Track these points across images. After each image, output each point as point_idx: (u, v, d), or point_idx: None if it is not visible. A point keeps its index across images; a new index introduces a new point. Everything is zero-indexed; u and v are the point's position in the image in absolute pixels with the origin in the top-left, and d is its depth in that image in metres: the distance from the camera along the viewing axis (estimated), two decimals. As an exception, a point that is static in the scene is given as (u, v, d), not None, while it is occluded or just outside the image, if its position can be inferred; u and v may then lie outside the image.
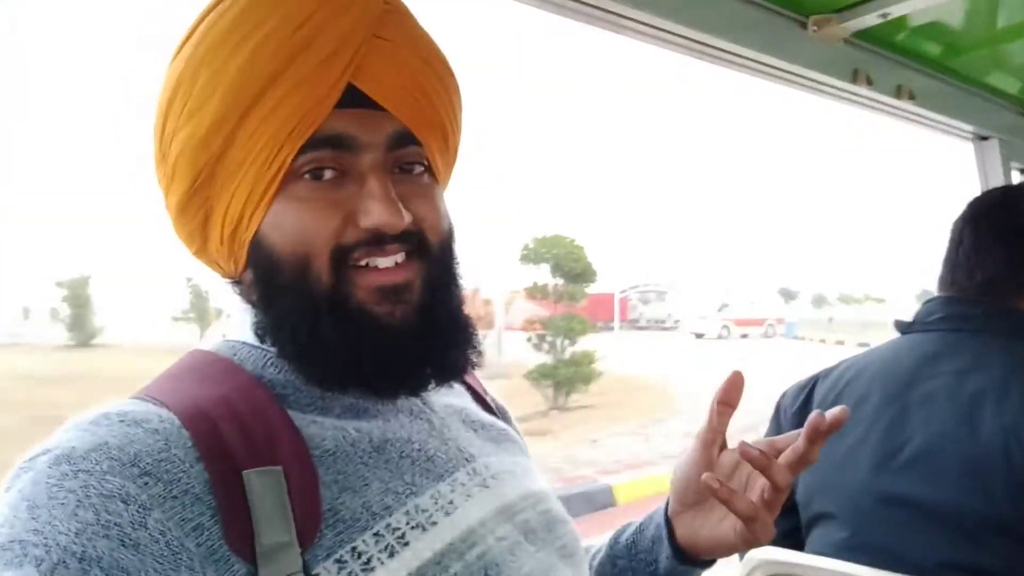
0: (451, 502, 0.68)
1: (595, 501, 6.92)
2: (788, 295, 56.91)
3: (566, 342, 12.87)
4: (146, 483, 0.54)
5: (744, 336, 39.66)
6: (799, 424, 1.34)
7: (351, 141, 0.65)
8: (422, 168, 0.71)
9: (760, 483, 0.73)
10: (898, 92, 1.59)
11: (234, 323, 0.73)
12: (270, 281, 0.67)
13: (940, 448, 1.13)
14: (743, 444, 0.72)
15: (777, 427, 1.39)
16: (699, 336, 39.39)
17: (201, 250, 0.72)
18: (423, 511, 0.66)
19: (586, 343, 12.91)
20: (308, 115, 0.63)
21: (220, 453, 0.58)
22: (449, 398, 0.81)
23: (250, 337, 0.70)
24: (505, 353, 16.95)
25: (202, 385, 0.64)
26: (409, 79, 0.67)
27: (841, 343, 30.79)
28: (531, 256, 12.97)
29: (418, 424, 0.73)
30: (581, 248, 12.94)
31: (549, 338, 13.03)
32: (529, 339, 13.20)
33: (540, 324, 13.09)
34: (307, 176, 0.65)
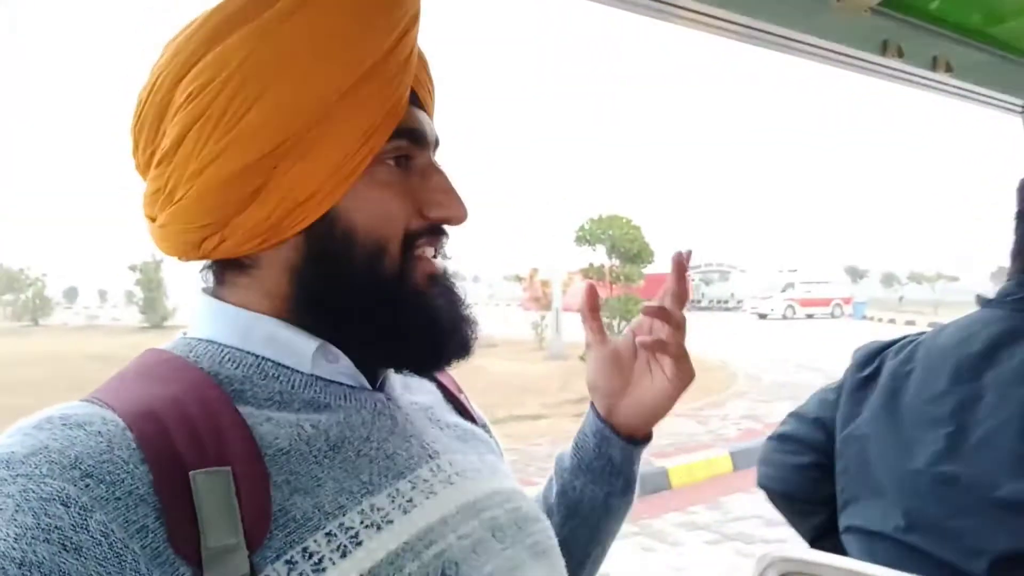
0: (410, 500, 0.67)
1: (649, 484, 6.87)
2: (856, 274, 55.46)
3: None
4: (87, 485, 0.53)
5: (809, 316, 38.86)
6: (861, 391, 1.33)
7: (422, 136, 0.71)
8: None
9: (665, 332, 0.86)
10: (934, 64, 1.51)
11: (194, 319, 0.72)
12: (338, 258, 0.68)
13: (1008, 433, 1.09)
14: (631, 324, 0.93)
15: (841, 384, 1.37)
16: (762, 317, 38.75)
17: (220, 222, 0.67)
18: (379, 510, 0.64)
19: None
20: (398, 103, 0.68)
21: (166, 454, 0.57)
22: (416, 396, 0.80)
23: (217, 333, 0.69)
24: (563, 334, 16.94)
25: (152, 385, 0.63)
26: (432, 86, 0.76)
27: (912, 323, 29.93)
28: (586, 237, 12.88)
29: (380, 421, 0.71)
30: (638, 228, 12.79)
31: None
32: (586, 320, 13.14)
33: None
34: (391, 162, 0.70)
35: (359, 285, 0.68)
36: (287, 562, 0.58)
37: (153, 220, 0.71)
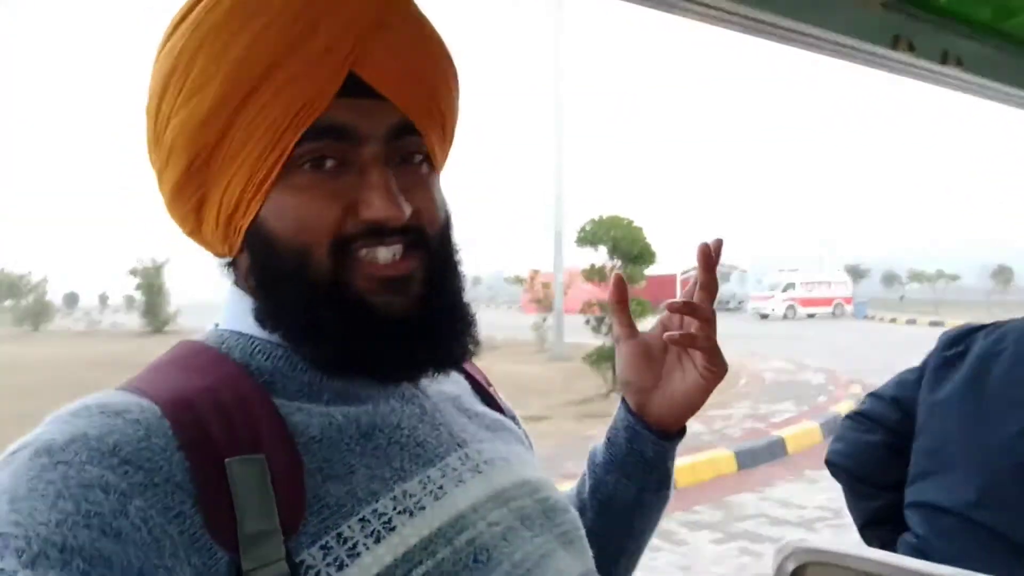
0: (440, 487, 0.68)
1: (653, 484, 6.88)
2: (857, 273, 55.43)
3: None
4: (126, 472, 0.54)
5: (811, 316, 38.84)
6: (945, 371, 1.35)
7: (352, 131, 0.65)
8: (421, 158, 0.71)
9: (694, 327, 0.83)
10: (944, 58, 1.51)
11: (225, 311, 0.73)
12: (269, 268, 0.67)
13: None
14: (661, 318, 0.91)
15: (925, 364, 1.38)
16: (764, 317, 38.73)
17: (195, 231, 0.72)
18: (411, 496, 0.65)
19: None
20: (309, 103, 0.63)
21: (201, 442, 0.58)
22: (444, 385, 0.80)
23: (244, 324, 0.70)
24: (565, 336, 16.92)
25: (186, 375, 0.64)
26: (411, 69, 0.67)
27: (913, 322, 29.93)
28: (588, 238, 12.86)
29: (409, 409, 0.72)
30: (639, 229, 12.78)
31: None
32: (587, 322, 13.13)
33: (599, 307, 12.99)
34: (307, 165, 0.65)
35: (289, 293, 0.66)
36: (322, 547, 0.59)
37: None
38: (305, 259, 0.65)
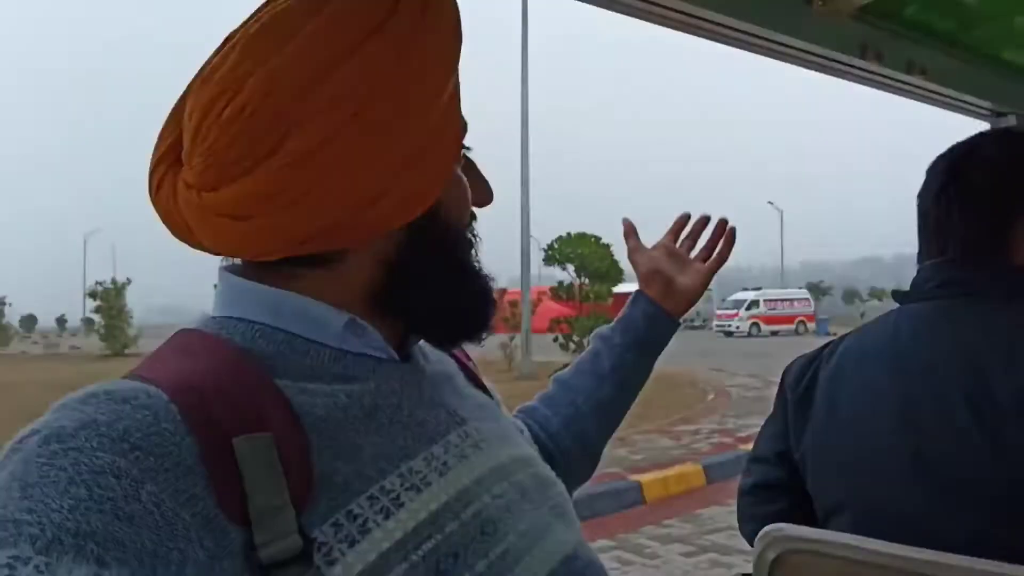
0: (444, 463, 0.69)
1: (623, 499, 6.88)
2: (819, 291, 56.27)
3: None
4: (137, 457, 0.54)
5: (774, 334, 39.29)
6: (803, 407, 1.33)
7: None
8: None
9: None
10: (909, 68, 1.57)
11: (220, 299, 0.73)
12: (441, 245, 0.74)
13: (955, 422, 1.10)
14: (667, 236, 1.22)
15: (783, 408, 1.36)
16: (728, 334, 39.09)
17: (360, 212, 0.69)
18: (416, 472, 0.67)
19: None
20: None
21: (209, 423, 0.58)
22: (437, 365, 0.83)
23: (246, 311, 0.70)
24: (532, 354, 16.93)
25: (189, 360, 0.65)
26: None
27: (873, 338, 30.27)
28: (556, 256, 12.93)
29: (408, 390, 0.73)
30: (607, 247, 12.89)
31: (576, 338, 12.98)
32: (556, 339, 13.16)
33: (567, 324, 13.03)
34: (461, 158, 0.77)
35: (454, 267, 0.76)
36: (333, 524, 0.60)
37: (244, 219, 0.66)
38: (463, 237, 0.78)
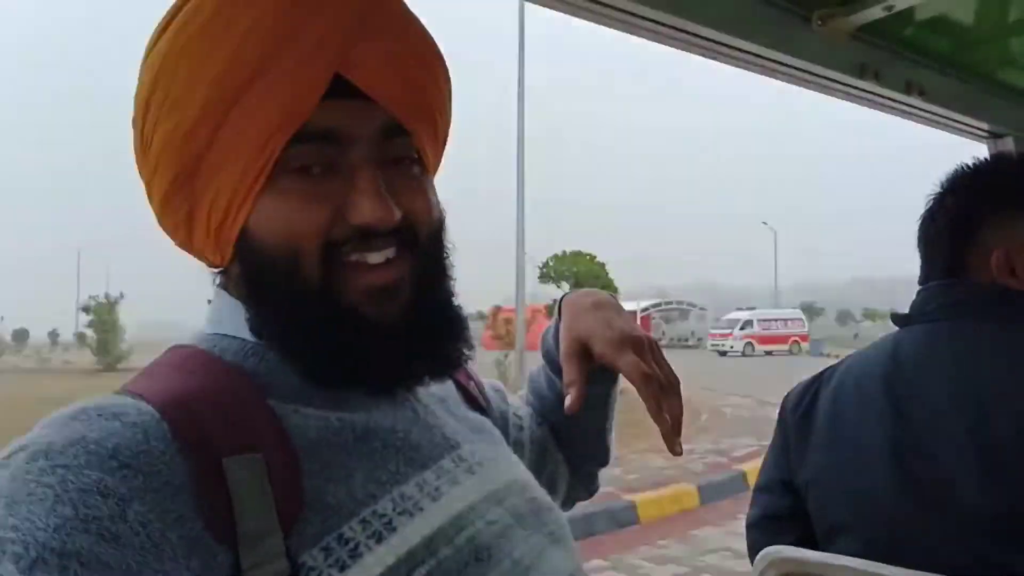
0: (437, 488, 0.68)
1: (618, 519, 6.83)
2: (812, 311, 56.39)
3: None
4: (125, 476, 0.53)
5: (768, 354, 39.32)
6: (803, 432, 1.32)
7: (340, 134, 0.64)
8: (412, 159, 0.70)
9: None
10: (908, 88, 1.57)
11: (213, 315, 0.72)
12: (259, 277, 0.66)
13: (955, 445, 1.10)
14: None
15: (783, 434, 1.35)
16: (722, 354, 39.12)
17: (186, 242, 0.71)
18: (409, 498, 0.65)
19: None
20: (295, 108, 0.62)
21: (199, 442, 0.57)
22: (432, 387, 0.80)
23: (235, 328, 0.69)
24: (527, 372, 16.78)
25: (181, 377, 0.63)
26: (398, 68, 0.66)
27: (867, 359, 30.26)
28: (551, 274, 12.94)
29: (402, 413, 0.72)
30: (601, 265, 12.90)
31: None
32: (550, 357, 13.12)
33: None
34: (295, 169, 0.64)
35: (279, 302, 0.65)
36: (323, 548, 0.59)
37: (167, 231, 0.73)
38: (294, 266, 0.64)
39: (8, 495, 0.51)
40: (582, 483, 1.06)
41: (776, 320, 42.50)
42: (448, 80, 0.73)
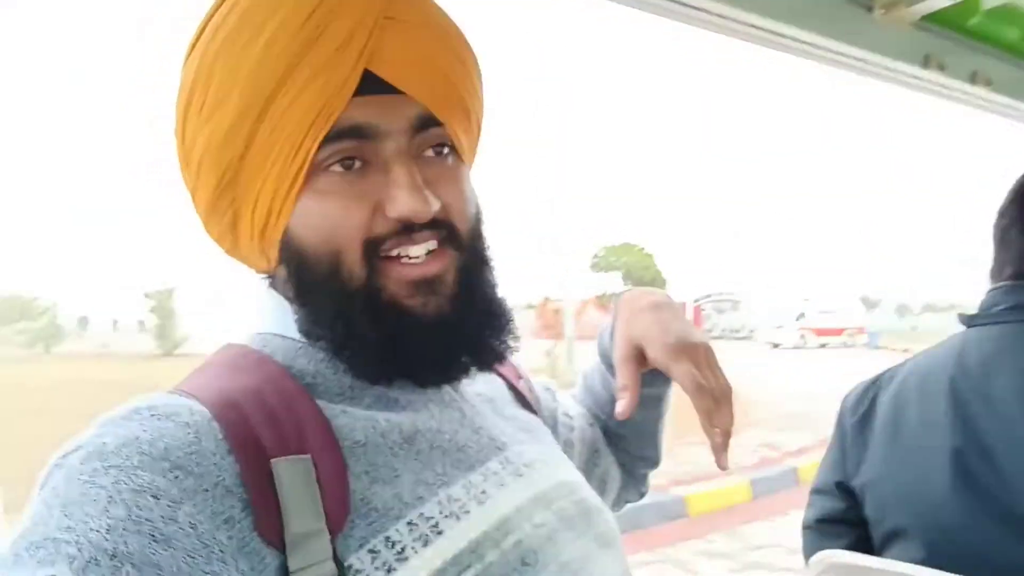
0: (484, 491, 0.67)
1: (667, 512, 6.80)
2: (870, 304, 55.20)
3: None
4: (176, 477, 0.54)
5: (823, 346, 38.59)
6: (862, 434, 1.29)
7: (372, 129, 0.65)
8: (447, 150, 0.70)
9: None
10: (973, 78, 1.52)
11: (263, 316, 0.73)
12: (303, 278, 0.67)
13: (1019, 452, 1.07)
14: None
15: (842, 435, 1.32)
16: (775, 346, 38.51)
17: (233, 249, 0.73)
18: (455, 500, 0.65)
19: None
20: (327, 105, 0.63)
21: (249, 443, 0.58)
22: (479, 386, 0.80)
23: (285, 328, 0.70)
24: (576, 362, 16.86)
25: (233, 377, 0.65)
26: (426, 59, 0.66)
27: (926, 353, 29.49)
28: (601, 264, 12.88)
29: (448, 414, 0.72)
30: (650, 256, 12.80)
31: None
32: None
33: (611, 333, 12.96)
34: (332, 168, 0.65)
35: (324, 301, 0.66)
36: (370, 551, 0.59)
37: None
38: (336, 265, 0.65)
39: (63, 496, 0.52)
40: (634, 484, 1.06)
41: (832, 312, 41.64)
42: (478, 67, 0.73)
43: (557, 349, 18.72)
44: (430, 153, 0.68)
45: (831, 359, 26.10)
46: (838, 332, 40.10)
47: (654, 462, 1.05)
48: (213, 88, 0.64)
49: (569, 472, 0.80)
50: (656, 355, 0.82)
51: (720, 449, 0.80)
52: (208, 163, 0.66)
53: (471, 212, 0.71)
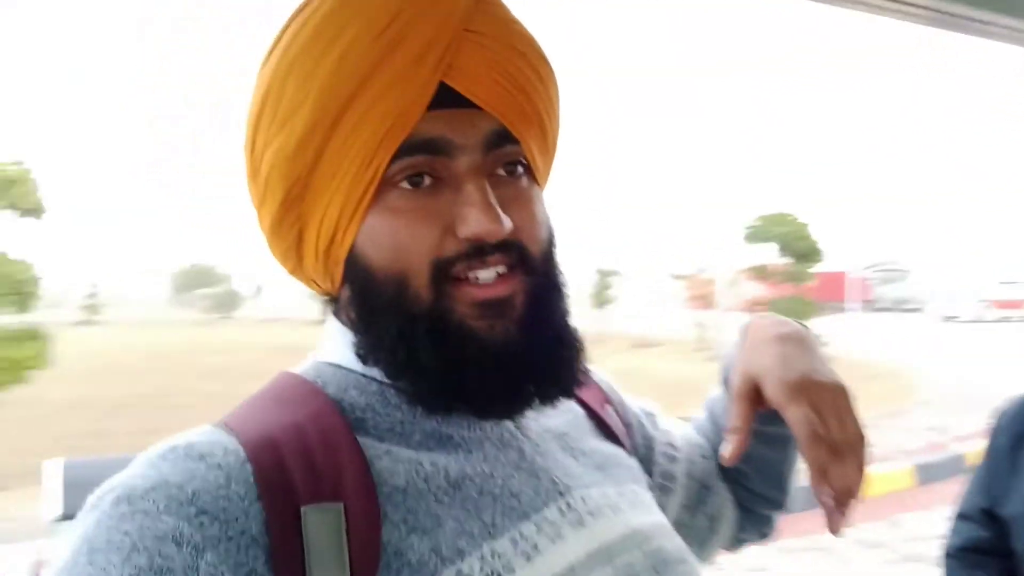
0: (535, 545, 0.62)
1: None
2: (1060, 273, 50.25)
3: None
4: (202, 523, 0.54)
5: (1003, 320, 35.63)
6: (1014, 456, 1.14)
7: (446, 144, 0.62)
8: (521, 169, 0.67)
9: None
10: None
11: (323, 342, 0.71)
12: (367, 299, 0.65)
13: None
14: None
15: (992, 454, 1.19)
16: (949, 319, 35.92)
17: (297, 268, 0.71)
18: (499, 556, 0.60)
19: (813, 326, 12.11)
20: (400, 119, 0.60)
21: (281, 488, 0.57)
22: (550, 420, 0.75)
23: (343, 358, 0.68)
24: (727, 334, 16.37)
25: (279, 410, 0.63)
26: (503, 74, 0.63)
27: None
28: (757, 235, 12.42)
29: (505, 454, 0.67)
30: (805, 226, 12.21)
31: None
32: (752, 321, 12.70)
33: (764, 306, 12.50)
34: (403, 184, 0.62)
35: (388, 324, 0.63)
36: None
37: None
38: (403, 287, 0.62)
39: (90, 541, 0.54)
40: (753, 524, 0.96)
41: (1015, 283, 38.28)
42: (555, 83, 0.69)
43: (707, 320, 18.31)
44: (502, 172, 0.65)
45: (1012, 335, 24.04)
46: (1021, 305, 36.83)
47: (778, 504, 0.94)
48: (287, 97, 0.62)
49: (645, 516, 0.73)
50: (772, 394, 0.74)
51: (833, 514, 0.71)
52: (277, 175, 0.64)
53: (544, 235, 0.68)
